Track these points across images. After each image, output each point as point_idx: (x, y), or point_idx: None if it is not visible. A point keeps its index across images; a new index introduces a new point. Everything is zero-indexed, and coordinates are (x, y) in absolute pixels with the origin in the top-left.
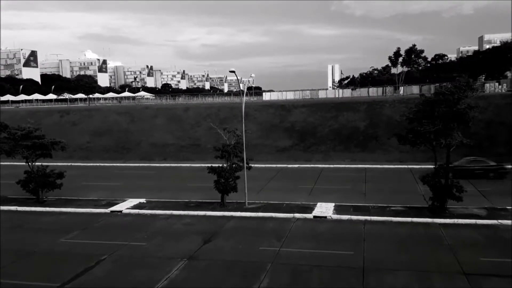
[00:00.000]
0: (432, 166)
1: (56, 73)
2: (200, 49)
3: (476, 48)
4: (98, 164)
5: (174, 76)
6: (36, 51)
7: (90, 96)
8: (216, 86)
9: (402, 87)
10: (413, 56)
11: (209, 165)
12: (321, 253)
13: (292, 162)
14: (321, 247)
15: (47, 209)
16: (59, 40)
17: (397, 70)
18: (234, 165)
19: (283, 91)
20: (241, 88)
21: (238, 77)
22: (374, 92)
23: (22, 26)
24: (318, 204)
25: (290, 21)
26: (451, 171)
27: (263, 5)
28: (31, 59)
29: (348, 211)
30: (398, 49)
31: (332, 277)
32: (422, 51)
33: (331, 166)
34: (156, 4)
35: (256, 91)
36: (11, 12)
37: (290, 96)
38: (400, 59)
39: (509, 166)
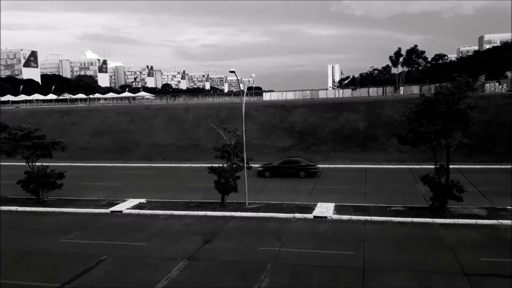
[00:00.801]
0: (432, 166)
1: (56, 73)
2: (200, 49)
3: (476, 48)
4: (98, 164)
5: (174, 76)
6: (36, 51)
7: (90, 96)
8: (216, 86)
9: (402, 87)
10: (414, 56)
11: (209, 165)
12: (321, 253)
13: None
14: (321, 247)
15: (47, 209)
16: (59, 41)
17: (397, 70)
18: (234, 165)
19: (283, 91)
20: (241, 88)
21: (238, 77)
22: (374, 92)
23: (22, 26)
24: (318, 204)
25: (290, 21)
26: (269, 171)
27: (263, 5)
28: (31, 59)
29: (348, 211)
30: (399, 49)
31: (332, 278)
32: (423, 52)
33: (331, 166)
34: (156, 4)
35: (256, 91)
36: (11, 12)
37: (290, 96)
38: (401, 59)
39: (320, 166)
